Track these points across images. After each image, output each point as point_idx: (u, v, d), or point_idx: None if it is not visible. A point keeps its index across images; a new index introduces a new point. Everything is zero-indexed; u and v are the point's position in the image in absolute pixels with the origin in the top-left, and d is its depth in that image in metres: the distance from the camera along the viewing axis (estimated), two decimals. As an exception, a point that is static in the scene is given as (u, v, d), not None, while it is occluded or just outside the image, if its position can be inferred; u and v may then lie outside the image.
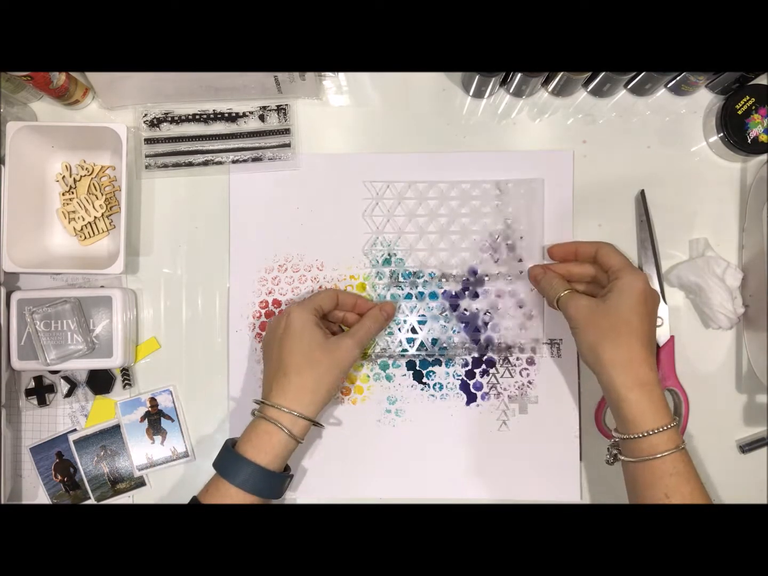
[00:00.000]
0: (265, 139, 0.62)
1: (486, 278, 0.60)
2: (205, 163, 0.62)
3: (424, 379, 0.61)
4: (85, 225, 0.61)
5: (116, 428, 0.61)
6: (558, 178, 0.61)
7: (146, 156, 0.62)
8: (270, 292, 0.61)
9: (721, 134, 0.59)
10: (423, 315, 0.60)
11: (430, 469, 0.60)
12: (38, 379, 0.61)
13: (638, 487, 0.48)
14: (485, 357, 0.60)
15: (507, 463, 0.60)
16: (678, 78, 0.58)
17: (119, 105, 0.62)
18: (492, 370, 0.60)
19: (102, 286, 0.61)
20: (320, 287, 0.61)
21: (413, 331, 0.60)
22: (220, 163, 0.62)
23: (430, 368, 0.61)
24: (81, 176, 0.61)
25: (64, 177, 0.61)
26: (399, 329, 0.60)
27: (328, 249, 0.61)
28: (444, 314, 0.60)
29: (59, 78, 0.57)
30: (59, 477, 0.61)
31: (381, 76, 0.62)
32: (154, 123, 0.62)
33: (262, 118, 0.62)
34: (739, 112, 0.58)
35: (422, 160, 0.61)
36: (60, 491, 0.61)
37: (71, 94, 0.60)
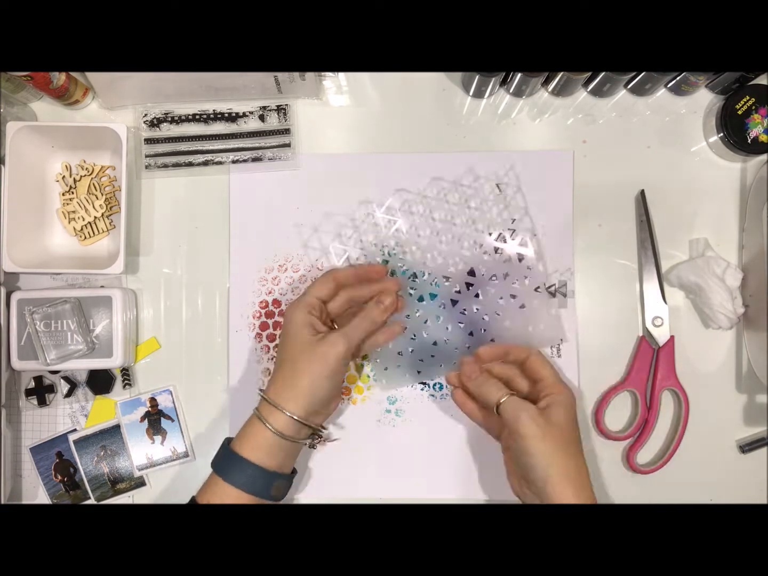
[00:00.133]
0: (265, 139, 0.62)
1: (486, 278, 0.60)
2: (205, 163, 0.62)
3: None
4: (85, 225, 0.61)
5: (116, 428, 0.61)
6: (558, 178, 0.61)
7: (146, 156, 0.62)
8: (270, 292, 0.61)
9: (721, 134, 0.59)
10: (423, 315, 0.60)
11: (430, 469, 0.60)
12: (38, 379, 0.61)
13: None
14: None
15: (507, 463, 0.60)
16: (678, 78, 0.58)
17: (119, 105, 0.62)
18: (492, 370, 0.60)
19: (102, 286, 0.61)
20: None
21: (413, 331, 0.60)
22: (220, 163, 0.62)
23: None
24: (81, 176, 0.61)
25: (64, 177, 0.61)
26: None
27: (327, 249, 0.61)
28: (444, 315, 0.60)
29: (59, 78, 0.57)
30: (59, 477, 0.61)
31: (381, 76, 0.62)
32: (154, 123, 0.62)
33: (262, 118, 0.62)
34: (739, 112, 0.58)
35: (422, 160, 0.61)
36: (60, 491, 0.61)
37: (71, 94, 0.60)
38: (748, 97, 0.58)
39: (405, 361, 0.60)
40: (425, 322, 0.60)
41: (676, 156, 0.61)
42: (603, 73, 0.57)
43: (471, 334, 0.60)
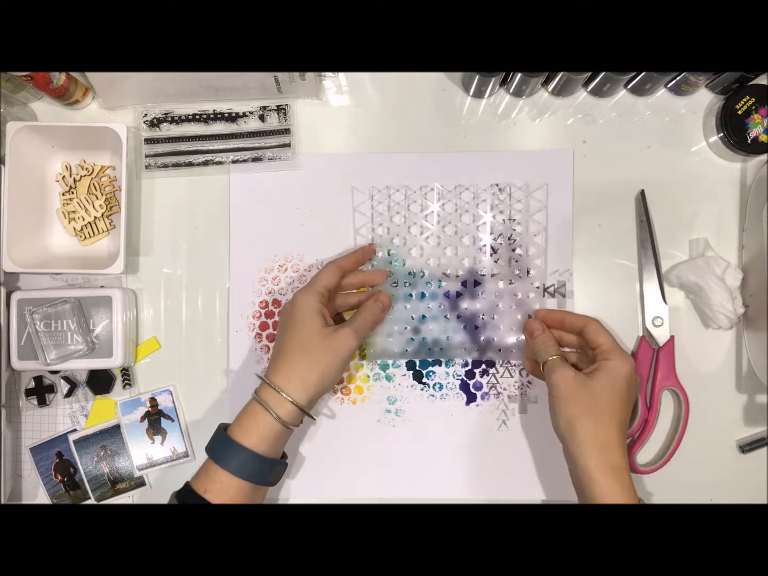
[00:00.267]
0: (265, 139, 0.62)
1: (486, 278, 0.60)
2: (205, 163, 0.62)
3: (424, 379, 0.61)
4: (85, 225, 0.61)
5: (116, 428, 0.61)
6: (558, 178, 0.61)
7: (146, 156, 0.62)
8: (270, 292, 0.61)
9: (721, 134, 0.59)
10: (423, 315, 0.60)
11: (430, 469, 0.60)
12: (38, 379, 0.61)
13: None
14: (485, 357, 0.60)
15: (507, 463, 0.60)
16: (678, 78, 0.58)
17: (119, 105, 0.62)
18: (492, 370, 0.60)
19: (102, 286, 0.61)
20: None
21: (413, 331, 0.60)
22: (220, 163, 0.62)
23: (430, 368, 0.61)
24: (81, 176, 0.61)
25: (64, 177, 0.61)
26: (398, 329, 0.60)
27: (328, 249, 0.61)
28: (444, 314, 0.60)
29: (59, 78, 0.57)
30: (59, 477, 0.61)
31: (381, 76, 0.62)
32: (154, 123, 0.62)
33: (262, 118, 0.62)
34: (739, 112, 0.58)
35: (422, 160, 0.61)
36: (60, 491, 0.61)
37: (71, 94, 0.60)
38: (748, 97, 0.58)
39: (405, 361, 0.60)
40: (425, 321, 0.60)
41: (676, 156, 0.61)
42: (603, 73, 0.57)
43: (470, 333, 0.60)
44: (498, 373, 0.60)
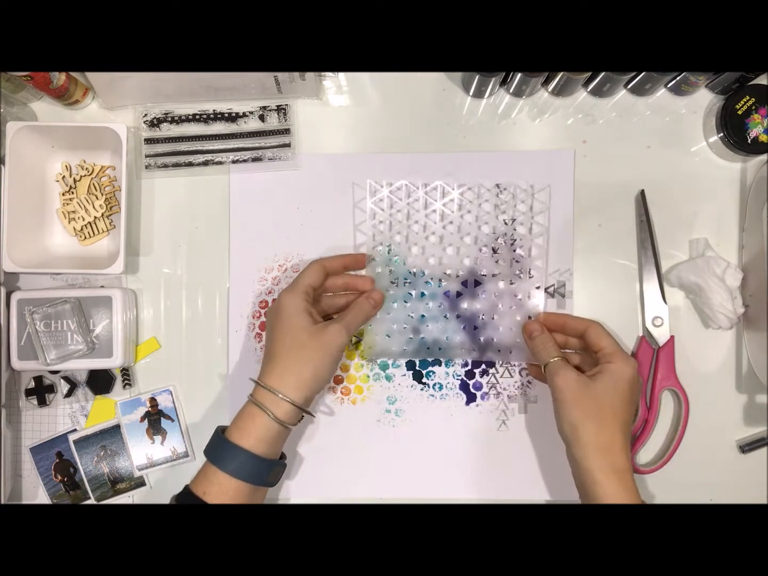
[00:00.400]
0: (265, 139, 0.62)
1: (486, 278, 0.60)
2: (205, 163, 0.62)
3: (424, 379, 0.61)
4: (85, 225, 0.61)
5: (116, 428, 0.61)
6: (558, 178, 0.61)
7: (146, 156, 0.62)
8: (270, 292, 0.61)
9: (721, 134, 0.59)
10: (423, 315, 0.60)
11: (430, 469, 0.60)
12: (38, 379, 0.61)
13: None
14: (485, 357, 0.60)
15: (507, 463, 0.60)
16: (678, 78, 0.58)
17: (119, 105, 0.62)
18: (492, 370, 0.60)
19: (102, 286, 0.61)
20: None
21: (412, 330, 0.60)
22: (220, 163, 0.62)
23: (430, 368, 0.61)
24: (81, 176, 0.61)
25: (64, 177, 0.61)
26: (397, 329, 0.60)
27: (328, 249, 0.61)
28: (443, 314, 0.60)
29: (59, 78, 0.57)
30: (59, 477, 0.61)
31: (381, 76, 0.62)
32: (154, 123, 0.62)
33: (262, 118, 0.62)
34: (739, 112, 0.58)
35: (422, 160, 0.61)
36: (60, 491, 0.61)
37: (71, 94, 0.60)
38: (748, 97, 0.58)
39: (405, 361, 0.60)
40: (424, 321, 0.60)
41: (676, 156, 0.61)
42: (603, 73, 0.57)
43: (470, 333, 0.60)
44: (498, 373, 0.60)
